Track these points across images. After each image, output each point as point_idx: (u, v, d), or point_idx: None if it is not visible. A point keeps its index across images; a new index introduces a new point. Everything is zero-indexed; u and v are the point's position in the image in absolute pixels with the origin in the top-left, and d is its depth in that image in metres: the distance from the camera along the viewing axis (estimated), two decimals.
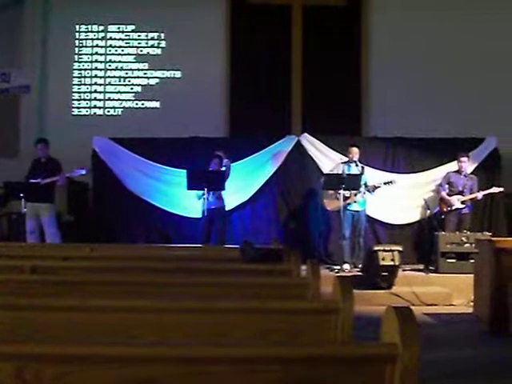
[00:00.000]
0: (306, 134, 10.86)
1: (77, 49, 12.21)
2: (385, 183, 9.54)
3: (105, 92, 12.15)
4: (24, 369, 2.03)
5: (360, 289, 7.97)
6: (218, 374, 2.07)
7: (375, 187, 9.54)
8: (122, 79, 12.16)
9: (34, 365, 2.04)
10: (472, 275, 7.23)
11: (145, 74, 12.13)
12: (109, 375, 2.05)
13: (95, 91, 12.15)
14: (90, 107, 12.11)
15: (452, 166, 10.14)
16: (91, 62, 12.20)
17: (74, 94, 12.13)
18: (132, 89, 12.12)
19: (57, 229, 9.44)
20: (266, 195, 10.78)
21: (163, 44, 12.13)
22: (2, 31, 12.20)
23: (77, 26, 12.22)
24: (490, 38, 11.62)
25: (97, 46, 12.23)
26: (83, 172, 9.56)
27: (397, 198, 10.32)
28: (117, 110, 12.09)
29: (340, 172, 9.47)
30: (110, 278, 3.97)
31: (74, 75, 12.17)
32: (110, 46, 12.23)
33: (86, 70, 12.18)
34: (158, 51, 12.15)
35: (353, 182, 9.35)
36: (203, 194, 9.55)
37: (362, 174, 9.61)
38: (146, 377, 2.06)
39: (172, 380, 2.06)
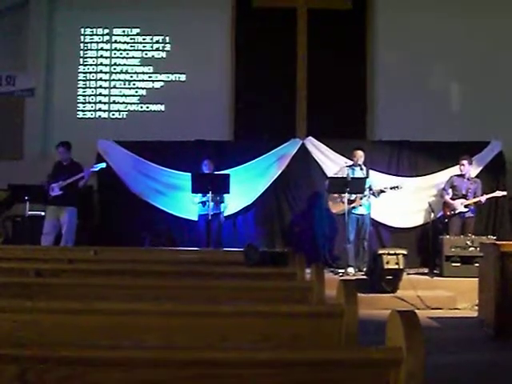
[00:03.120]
0: (310, 138, 10.88)
1: (82, 52, 12.23)
2: (391, 188, 9.52)
3: (110, 95, 12.17)
4: (28, 371, 2.03)
5: (364, 292, 7.97)
6: (223, 377, 2.07)
7: (381, 191, 9.53)
8: (126, 82, 12.17)
9: (38, 367, 2.04)
10: (476, 279, 7.20)
11: (150, 77, 12.14)
12: (113, 378, 2.05)
13: (100, 94, 12.16)
14: (94, 110, 12.12)
15: (456, 170, 10.12)
16: (96, 65, 12.22)
17: (78, 97, 12.14)
18: (137, 92, 12.13)
19: (74, 233, 9.42)
20: (271, 198, 10.80)
21: (168, 47, 12.14)
22: (7, 35, 12.24)
23: (82, 29, 12.23)
24: (495, 42, 11.60)
25: (102, 49, 12.24)
26: (103, 165, 9.62)
27: (401, 201, 10.32)
28: (122, 113, 12.10)
29: (344, 175, 9.45)
30: (114, 281, 3.97)
31: (79, 78, 12.18)
32: (115, 49, 12.24)
33: (90, 73, 12.20)
34: (163, 54, 12.16)
35: (357, 186, 9.34)
36: (204, 201, 9.65)
37: (366, 177, 9.61)
38: (151, 380, 2.06)
39: (176, 383, 2.05)
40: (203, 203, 9.81)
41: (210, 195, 9.55)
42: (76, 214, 9.55)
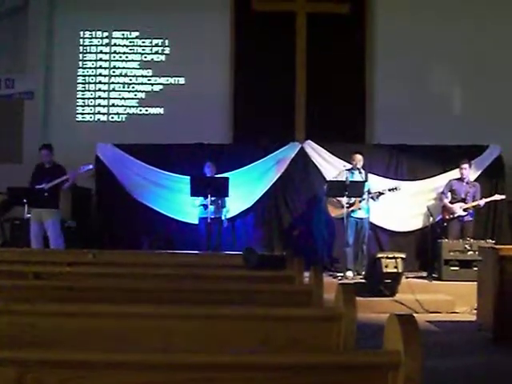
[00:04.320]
0: (309, 141, 10.88)
1: (81, 55, 12.22)
2: (389, 189, 9.54)
3: (109, 98, 12.16)
4: (26, 375, 2.03)
5: (363, 296, 7.97)
6: (222, 380, 2.06)
7: (380, 194, 9.53)
8: (126, 85, 12.17)
9: (36, 371, 2.03)
10: (475, 283, 7.21)
11: (149, 80, 12.14)
12: (111, 382, 2.04)
13: (99, 97, 12.16)
14: (93, 113, 12.11)
15: (455, 174, 10.14)
16: (95, 68, 12.22)
17: (77, 100, 12.13)
18: (136, 95, 12.13)
19: (60, 235, 9.42)
20: (270, 202, 10.79)
21: (167, 50, 12.14)
22: (6, 37, 12.22)
23: (81, 32, 12.23)
24: (495, 45, 11.60)
25: (101, 52, 12.24)
26: (90, 167, 9.60)
27: (400, 205, 10.32)
28: (121, 116, 12.10)
29: (343, 179, 9.44)
30: (112, 284, 3.96)
31: (78, 81, 12.18)
32: (115, 52, 12.24)
33: (90, 76, 12.20)
34: (162, 58, 12.16)
35: (356, 189, 9.34)
36: (206, 204, 9.62)
37: (365, 181, 9.61)
38: (149, 383, 2.06)
39: None
40: (205, 206, 9.77)
41: (209, 198, 9.53)
42: (60, 215, 9.58)
